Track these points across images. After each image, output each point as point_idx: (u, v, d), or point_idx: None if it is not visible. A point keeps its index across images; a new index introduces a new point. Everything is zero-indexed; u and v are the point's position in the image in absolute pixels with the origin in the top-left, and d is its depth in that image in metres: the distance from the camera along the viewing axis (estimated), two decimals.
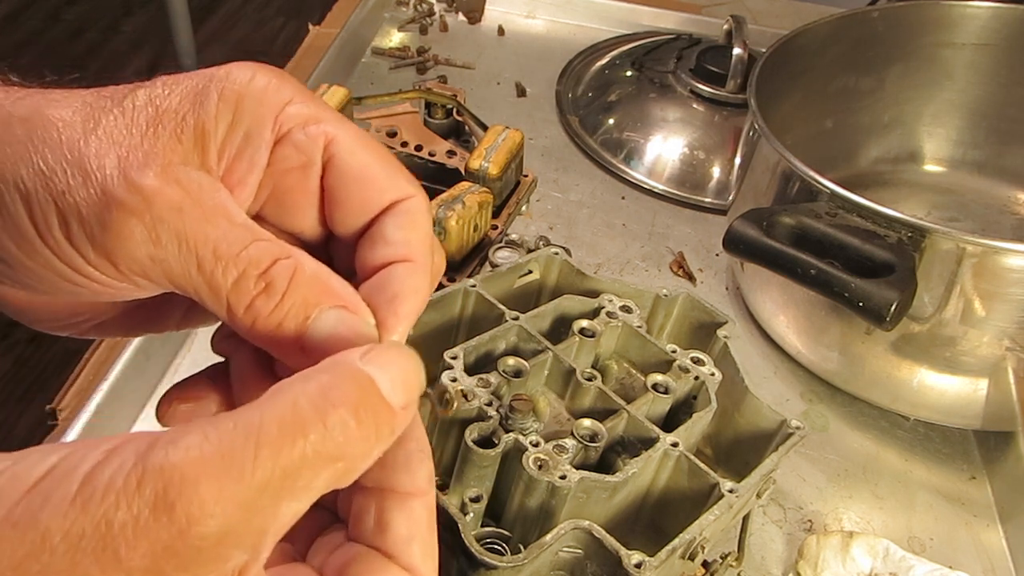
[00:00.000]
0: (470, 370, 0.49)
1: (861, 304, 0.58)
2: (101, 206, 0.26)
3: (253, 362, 0.30)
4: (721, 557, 0.56)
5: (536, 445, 0.45)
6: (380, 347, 0.25)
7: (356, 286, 0.29)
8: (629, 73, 1.02)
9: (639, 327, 0.54)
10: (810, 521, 0.65)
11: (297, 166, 0.29)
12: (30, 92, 0.28)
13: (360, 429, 0.23)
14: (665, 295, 0.58)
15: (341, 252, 0.31)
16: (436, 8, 1.16)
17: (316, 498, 0.23)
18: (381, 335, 0.28)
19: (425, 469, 0.27)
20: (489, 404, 0.47)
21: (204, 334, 0.73)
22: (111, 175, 0.26)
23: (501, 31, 1.14)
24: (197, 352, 0.73)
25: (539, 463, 0.44)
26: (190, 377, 0.32)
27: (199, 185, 0.27)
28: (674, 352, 0.53)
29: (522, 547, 0.43)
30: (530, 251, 0.68)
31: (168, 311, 0.33)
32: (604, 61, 1.07)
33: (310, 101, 0.30)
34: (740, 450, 0.54)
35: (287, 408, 0.22)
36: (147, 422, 0.67)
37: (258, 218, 0.30)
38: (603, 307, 0.55)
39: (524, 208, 0.76)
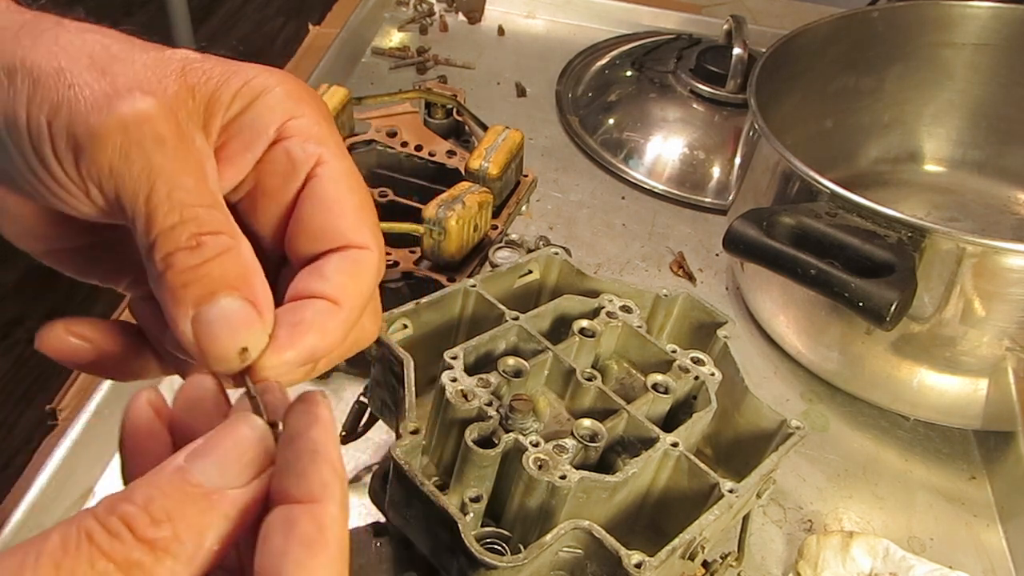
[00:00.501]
0: (470, 370, 0.48)
1: (861, 304, 0.58)
2: (98, 106, 0.27)
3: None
4: (721, 557, 0.56)
5: (536, 445, 0.45)
6: (209, 436, 0.25)
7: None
8: (629, 73, 1.02)
9: (639, 327, 0.54)
10: (810, 521, 0.65)
11: (281, 171, 0.30)
12: (85, 25, 0.30)
13: (159, 532, 0.23)
14: (665, 295, 0.58)
15: (288, 281, 0.31)
16: (436, 8, 1.16)
17: None
18: (269, 349, 0.27)
19: (318, 474, 0.25)
20: (489, 404, 0.47)
21: None
22: (120, 87, 0.27)
23: (501, 31, 1.14)
24: None
25: (539, 463, 0.44)
26: (94, 320, 0.32)
27: (192, 137, 0.28)
28: (674, 352, 0.53)
29: (522, 547, 0.43)
30: (530, 251, 0.68)
31: (120, 267, 0.34)
32: (604, 61, 1.07)
33: (323, 125, 0.31)
34: (740, 450, 0.54)
35: (72, 526, 0.23)
36: None
37: (231, 207, 0.31)
38: (603, 307, 0.55)
39: (524, 208, 0.76)
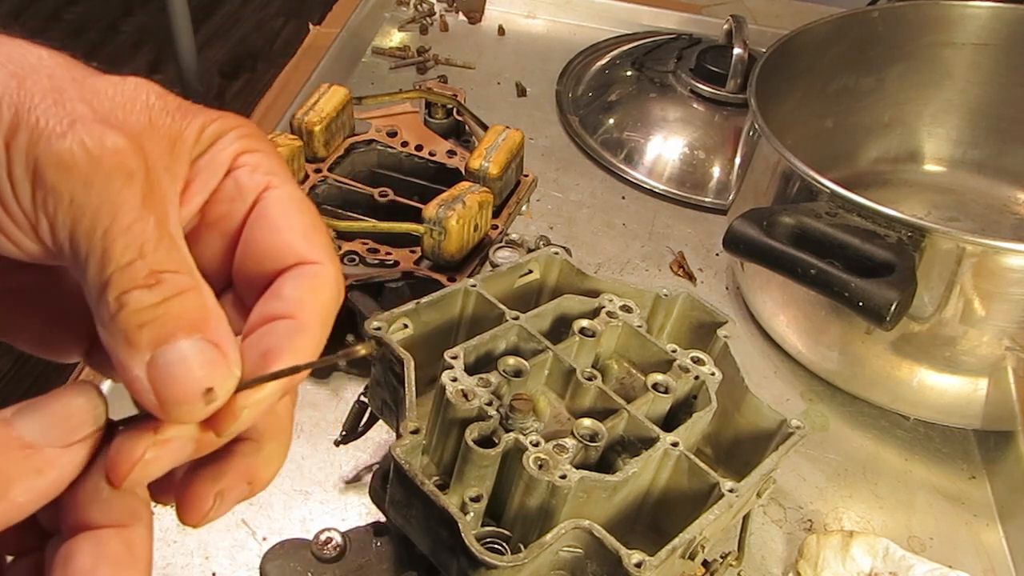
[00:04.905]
0: (470, 370, 0.49)
1: (861, 304, 0.58)
2: (62, 132, 0.25)
3: None
4: (721, 557, 0.56)
5: (536, 445, 0.45)
6: (41, 396, 0.25)
7: None
8: (629, 73, 1.02)
9: (639, 327, 0.54)
10: (810, 521, 0.65)
11: (228, 199, 0.29)
12: (35, 45, 0.28)
13: None
14: (665, 295, 0.58)
15: (235, 310, 0.30)
16: (436, 8, 1.16)
17: None
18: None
19: (118, 505, 0.25)
20: (489, 404, 0.47)
21: None
22: (85, 116, 0.26)
23: (501, 31, 1.14)
24: None
25: (539, 463, 0.44)
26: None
27: (159, 178, 0.27)
28: (674, 352, 0.53)
29: (522, 547, 0.43)
30: (530, 251, 0.68)
31: (68, 338, 0.32)
32: (604, 61, 1.07)
33: (275, 160, 0.30)
34: (740, 450, 0.55)
35: None
36: None
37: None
38: (603, 307, 0.55)
39: (524, 208, 0.76)
